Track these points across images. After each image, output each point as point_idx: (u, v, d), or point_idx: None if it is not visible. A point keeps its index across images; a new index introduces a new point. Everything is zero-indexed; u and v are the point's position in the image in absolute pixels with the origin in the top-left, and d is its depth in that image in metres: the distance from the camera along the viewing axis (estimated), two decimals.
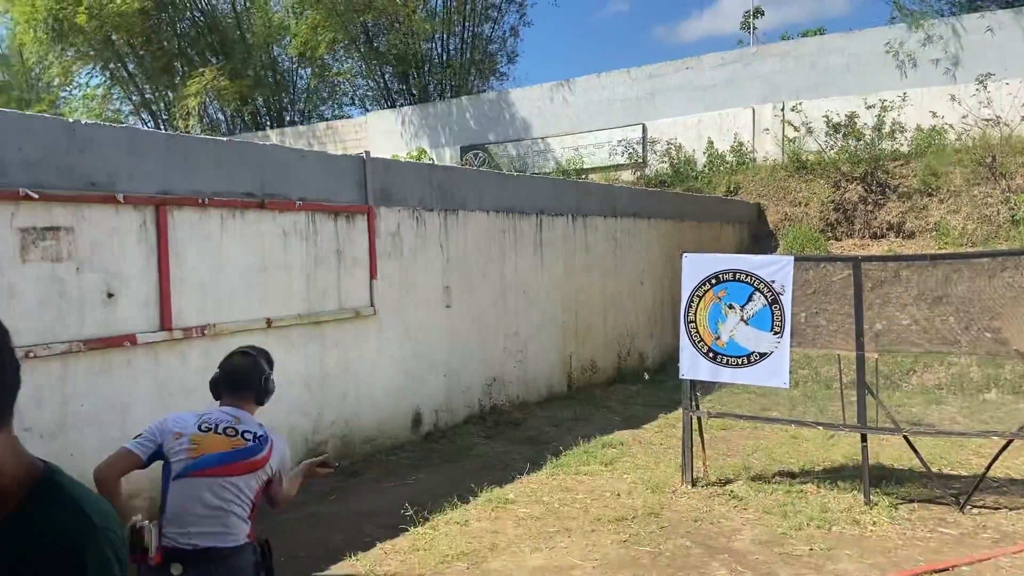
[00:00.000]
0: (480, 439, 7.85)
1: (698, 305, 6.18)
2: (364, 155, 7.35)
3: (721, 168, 16.98)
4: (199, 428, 2.87)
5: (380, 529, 5.47)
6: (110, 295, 5.25)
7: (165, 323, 5.56)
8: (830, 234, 14.62)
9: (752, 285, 5.94)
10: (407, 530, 5.40)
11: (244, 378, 3.03)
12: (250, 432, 2.92)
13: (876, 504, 5.68)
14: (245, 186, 6.17)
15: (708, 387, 8.55)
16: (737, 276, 6.01)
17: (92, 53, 24.40)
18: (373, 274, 7.27)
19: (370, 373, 7.28)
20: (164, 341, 5.56)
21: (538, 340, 9.57)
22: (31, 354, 4.72)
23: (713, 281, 6.12)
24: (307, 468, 3.23)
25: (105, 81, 26.75)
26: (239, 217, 6.12)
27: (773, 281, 5.85)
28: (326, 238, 6.86)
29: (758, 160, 16.76)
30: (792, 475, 6.47)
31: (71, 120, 5.20)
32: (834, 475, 6.41)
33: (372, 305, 7.26)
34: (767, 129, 16.63)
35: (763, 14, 26.04)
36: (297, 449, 6.57)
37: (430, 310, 7.97)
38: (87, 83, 27.38)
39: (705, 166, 17.26)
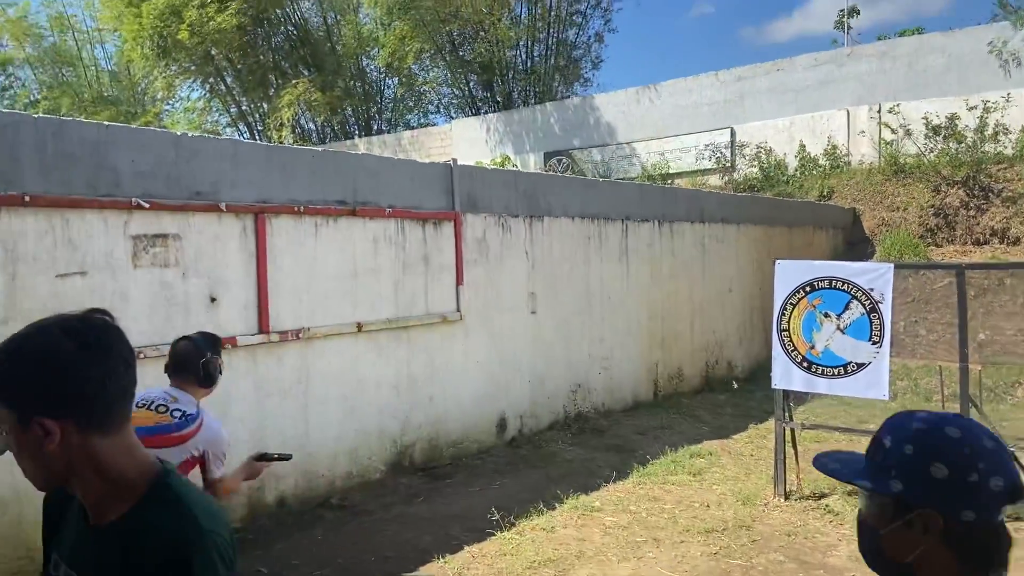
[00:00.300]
0: (565, 445, 7.84)
1: (791, 313, 6.02)
2: (451, 163, 7.45)
3: (813, 172, 16.52)
4: (136, 405, 2.99)
5: (467, 533, 5.52)
6: (213, 299, 5.47)
7: (263, 326, 5.77)
8: (930, 240, 14.02)
9: (849, 293, 5.75)
10: (494, 535, 5.44)
11: (184, 361, 3.17)
12: (180, 410, 3.04)
13: None
14: (338, 194, 6.35)
15: (801, 398, 8.33)
16: (833, 284, 5.83)
17: (193, 68, 25.53)
18: (459, 280, 7.36)
19: (456, 378, 7.36)
20: (262, 344, 5.76)
21: (623, 347, 9.49)
22: (141, 355, 4.96)
23: (808, 289, 5.95)
24: (247, 463, 3.26)
25: (204, 94, 27.99)
26: (332, 224, 6.29)
27: (871, 289, 5.65)
28: (414, 244, 6.98)
29: (853, 163, 16.23)
30: None
31: (179, 133, 5.46)
32: None
33: (458, 310, 7.35)
34: (862, 132, 16.08)
35: (858, 13, 25.17)
36: (386, 451, 6.71)
37: (515, 316, 8.01)
38: (188, 96, 28.71)
39: (797, 170, 16.82)
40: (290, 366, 5.98)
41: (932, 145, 14.64)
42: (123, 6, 24.30)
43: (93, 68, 29.87)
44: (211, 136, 6.29)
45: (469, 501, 6.24)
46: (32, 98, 28.87)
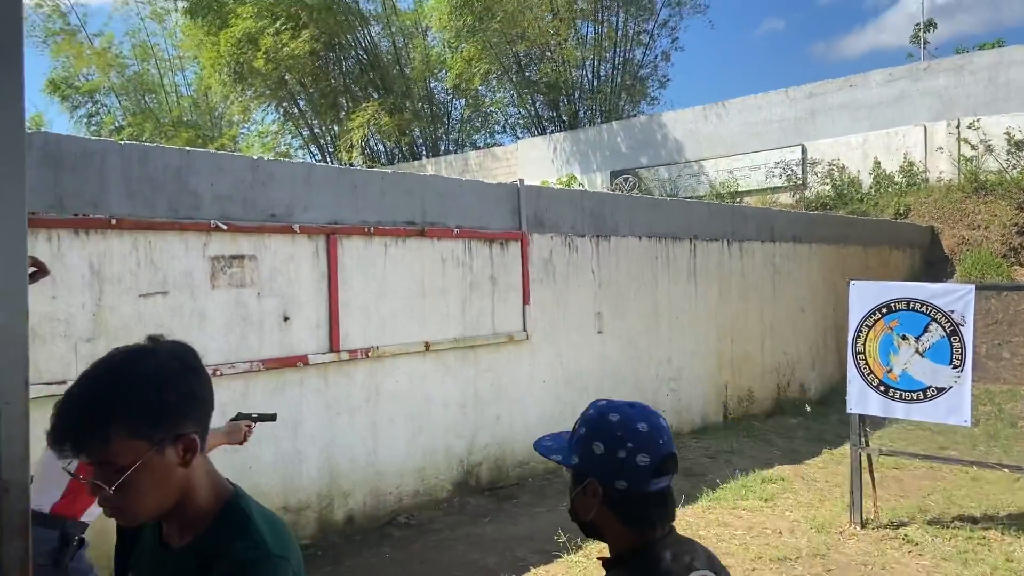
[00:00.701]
0: None
1: (867, 335, 5.84)
2: (518, 183, 7.50)
3: (889, 189, 16.07)
4: None
5: (533, 554, 5.49)
6: (286, 318, 5.61)
7: (333, 345, 5.88)
8: (1013, 259, 13.46)
9: (928, 315, 5.55)
10: (560, 557, 5.39)
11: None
12: None
13: None
14: (407, 215, 6.45)
15: (878, 422, 8.06)
16: (911, 305, 5.64)
17: (267, 92, 26.37)
18: (526, 299, 7.38)
19: (522, 397, 7.36)
20: (332, 362, 5.87)
21: (691, 368, 9.35)
22: (218, 372, 5.11)
23: (884, 310, 5.77)
24: (228, 425, 3.20)
25: (278, 118, 28.85)
26: (400, 245, 6.39)
27: (952, 311, 5.44)
28: (481, 264, 7.03)
29: (931, 180, 15.73)
30: (973, 520, 5.96)
31: (255, 157, 5.63)
32: (1021, 522, 5.85)
33: (525, 330, 7.36)
34: (940, 148, 15.58)
35: (935, 27, 24.46)
36: (453, 470, 6.74)
37: (582, 335, 7.97)
38: (262, 120, 29.66)
39: (871, 187, 16.38)
40: (359, 384, 6.07)
41: (1015, 161, 14.10)
42: (202, 35, 25.31)
43: (174, 94, 31.12)
44: (286, 160, 6.47)
45: (536, 522, 6.21)
46: (117, 124, 30.21)
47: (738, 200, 17.67)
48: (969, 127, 14.82)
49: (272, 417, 3.43)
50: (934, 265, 14.36)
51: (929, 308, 5.55)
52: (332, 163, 27.45)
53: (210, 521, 1.36)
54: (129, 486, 1.26)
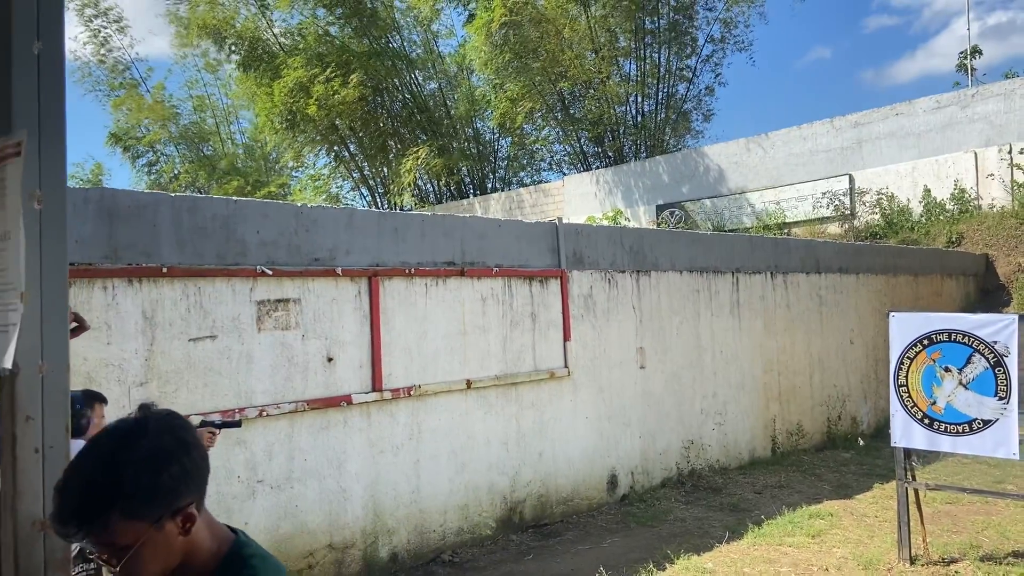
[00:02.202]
0: (678, 503, 7.69)
1: (909, 367, 5.77)
2: (556, 221, 7.62)
3: (940, 217, 15.78)
4: None
5: None
6: (330, 359, 5.78)
7: (376, 384, 6.02)
8: None
9: (971, 346, 5.46)
10: None
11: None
12: None
13: None
14: (447, 255, 6.61)
15: (931, 456, 7.87)
16: (953, 336, 5.56)
17: (319, 138, 27.14)
18: (567, 336, 7.45)
19: (565, 433, 7.40)
20: (375, 401, 6.01)
21: (737, 402, 9.27)
22: (264, 413, 5.29)
23: (925, 342, 5.70)
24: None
25: (329, 162, 29.62)
26: (441, 285, 6.54)
27: (995, 342, 5.35)
28: (521, 302, 7.14)
29: (983, 207, 15.41)
30: None
31: (299, 204, 5.86)
32: None
33: (566, 366, 7.42)
34: (991, 174, 15.28)
35: (980, 53, 24.07)
36: (496, 508, 6.79)
37: (623, 371, 8.00)
38: (313, 164, 30.50)
39: (922, 215, 16.11)
40: (402, 423, 6.19)
41: None
42: (255, 87, 26.25)
43: (229, 142, 32.23)
44: (328, 206, 6.70)
45: (578, 560, 6.22)
46: (175, 172, 31.38)
47: (786, 231, 17.52)
48: (1021, 152, 14.52)
49: (237, 424, 3.65)
50: (990, 293, 14.01)
51: (971, 339, 5.46)
52: (383, 204, 28.07)
53: (212, 570, 1.46)
54: (133, 561, 1.35)
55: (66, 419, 1.56)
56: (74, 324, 2.83)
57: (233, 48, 26.16)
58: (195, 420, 3.73)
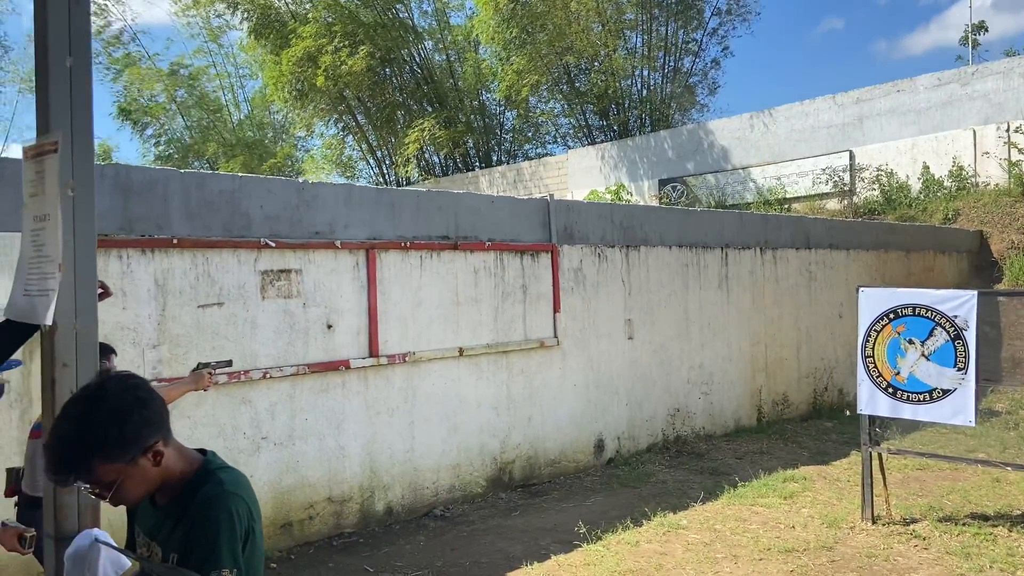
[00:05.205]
0: (661, 467, 8.09)
1: (876, 339, 6.11)
2: (548, 197, 7.94)
3: (938, 194, 15.99)
4: None
5: (556, 544, 5.91)
6: (329, 326, 6.16)
7: (373, 351, 6.41)
8: None
9: (933, 320, 5.80)
10: (580, 546, 5.80)
11: None
12: None
13: None
14: (441, 230, 6.95)
15: (911, 426, 8.22)
16: (917, 311, 5.90)
17: (327, 108, 27.39)
18: (556, 307, 7.81)
19: (554, 399, 7.79)
20: (372, 366, 6.40)
21: (724, 372, 9.63)
22: (267, 375, 5.69)
23: (891, 316, 6.04)
24: (192, 375, 3.97)
25: (338, 132, 29.89)
26: (435, 258, 6.89)
27: (955, 316, 5.69)
28: (512, 274, 7.49)
29: (980, 185, 15.61)
30: (985, 518, 6.15)
31: (300, 180, 6.21)
32: None
33: (555, 336, 7.79)
34: (987, 152, 15.47)
35: (986, 29, 24.02)
36: (487, 468, 7.20)
37: (612, 341, 8.36)
38: (322, 133, 30.77)
39: (920, 192, 16.33)
40: (397, 387, 6.59)
41: None
42: (265, 54, 26.45)
43: (237, 113, 32.48)
44: (328, 182, 7.04)
45: (562, 516, 6.63)
46: (184, 143, 31.68)
47: (786, 206, 17.76)
48: (1018, 131, 14.70)
49: (228, 363, 4.19)
50: (983, 270, 14.28)
51: (933, 313, 5.80)
52: (389, 175, 28.35)
53: (185, 483, 1.85)
54: (118, 492, 1.74)
55: (95, 366, 1.93)
56: (100, 290, 3.23)
57: (245, 15, 26.25)
58: (194, 364, 4.31)
